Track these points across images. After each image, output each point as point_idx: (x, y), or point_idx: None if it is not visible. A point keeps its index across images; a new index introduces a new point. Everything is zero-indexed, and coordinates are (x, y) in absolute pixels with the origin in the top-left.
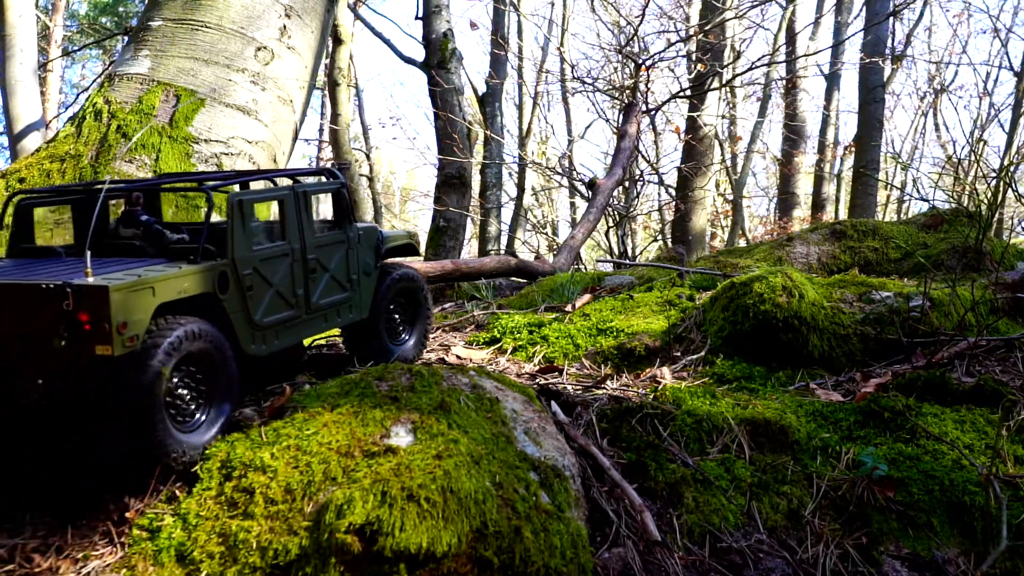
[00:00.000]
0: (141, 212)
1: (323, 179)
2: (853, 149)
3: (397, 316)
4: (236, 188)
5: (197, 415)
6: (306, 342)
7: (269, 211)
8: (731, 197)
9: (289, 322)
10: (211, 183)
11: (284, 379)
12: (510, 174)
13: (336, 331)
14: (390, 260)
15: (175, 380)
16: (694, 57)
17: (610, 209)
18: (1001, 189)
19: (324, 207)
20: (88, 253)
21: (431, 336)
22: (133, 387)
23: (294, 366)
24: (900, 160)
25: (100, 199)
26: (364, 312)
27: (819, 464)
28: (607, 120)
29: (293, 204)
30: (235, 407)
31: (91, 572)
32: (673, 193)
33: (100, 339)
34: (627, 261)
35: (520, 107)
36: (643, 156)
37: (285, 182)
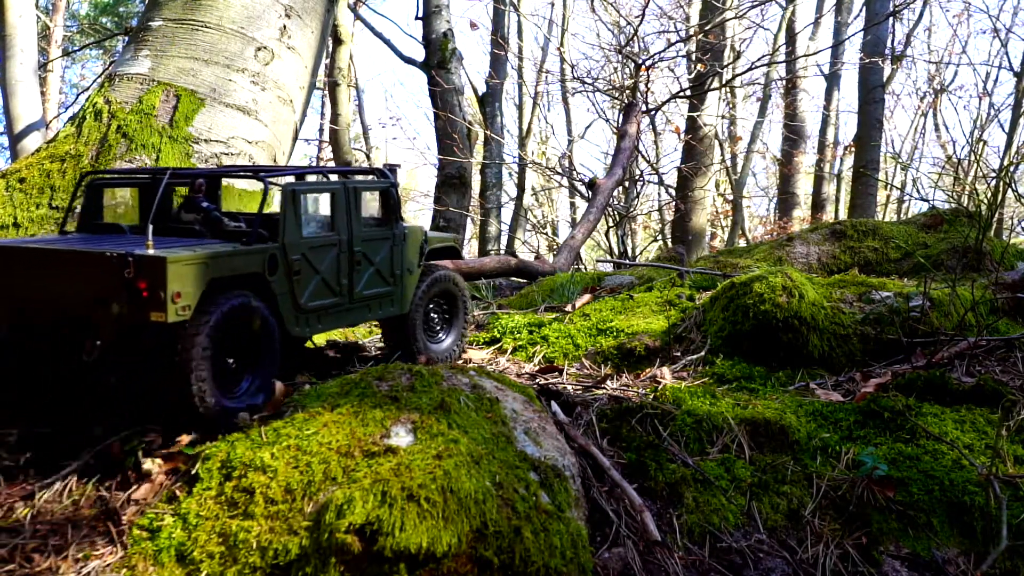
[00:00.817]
0: (202, 199)
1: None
2: (853, 149)
3: (435, 316)
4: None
5: (242, 383)
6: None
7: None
8: (731, 197)
9: (332, 308)
10: (267, 173)
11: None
12: (510, 174)
13: (334, 332)
14: (432, 261)
15: (221, 353)
16: (694, 57)
17: (610, 209)
18: (1001, 189)
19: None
20: (150, 227)
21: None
22: (185, 352)
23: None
24: (900, 160)
25: (163, 182)
26: (405, 307)
27: (819, 464)
28: (607, 120)
29: (343, 198)
30: (275, 379)
31: (91, 572)
32: (673, 193)
33: (156, 306)
34: (627, 261)
35: (520, 107)
36: (643, 156)
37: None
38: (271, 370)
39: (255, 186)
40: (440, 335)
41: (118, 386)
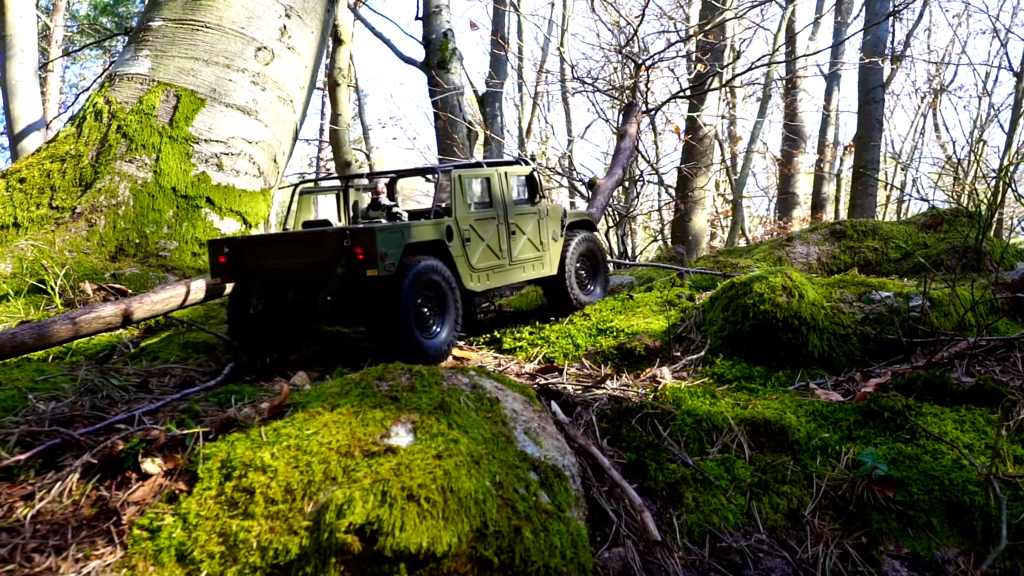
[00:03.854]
0: (384, 198)
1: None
2: (853, 149)
3: (583, 272)
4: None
5: (434, 327)
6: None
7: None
8: (731, 197)
9: (496, 268)
10: (436, 169)
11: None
12: None
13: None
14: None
15: (418, 300)
16: (694, 57)
17: (610, 209)
18: (1001, 189)
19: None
20: (360, 211)
21: None
22: (392, 298)
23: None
24: (900, 160)
25: (347, 187)
26: (553, 269)
27: (819, 464)
28: (607, 120)
29: (499, 182)
30: (458, 323)
31: (91, 572)
32: (673, 193)
33: (369, 265)
34: (627, 261)
35: (520, 107)
36: (643, 156)
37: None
38: (455, 321)
39: (254, 186)
40: (589, 287)
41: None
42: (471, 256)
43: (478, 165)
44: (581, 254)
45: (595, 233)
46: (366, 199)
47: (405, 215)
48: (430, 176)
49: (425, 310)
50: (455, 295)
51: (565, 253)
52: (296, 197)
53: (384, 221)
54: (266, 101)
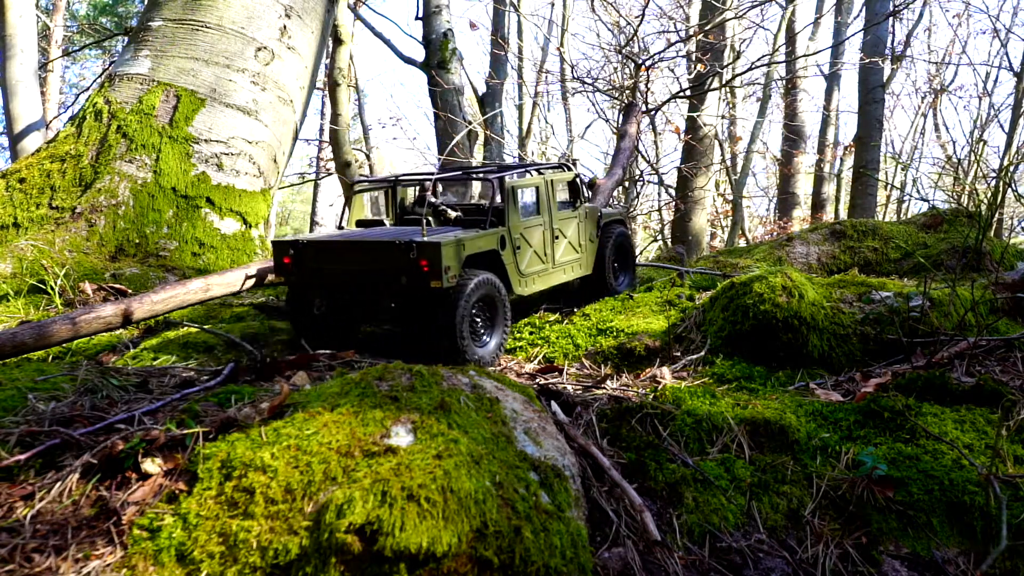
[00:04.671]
0: (431, 196)
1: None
2: (853, 149)
3: (616, 264)
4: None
5: (484, 336)
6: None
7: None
8: (731, 197)
9: (541, 272)
10: (492, 175)
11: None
12: None
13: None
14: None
15: (473, 311)
16: (694, 57)
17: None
18: (1001, 189)
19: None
20: (424, 221)
21: None
22: (450, 309)
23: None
24: (900, 160)
25: (396, 186)
26: (589, 269)
27: (819, 464)
28: (607, 120)
29: (546, 188)
30: (506, 334)
31: (91, 572)
32: (673, 193)
33: (434, 277)
34: None
35: (520, 107)
36: (643, 156)
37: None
38: (503, 331)
39: (254, 186)
40: (620, 278)
41: (404, 334)
42: (520, 263)
43: (527, 171)
44: (613, 251)
45: (627, 230)
46: (411, 195)
47: (451, 211)
48: (485, 180)
49: (478, 320)
50: (505, 307)
51: (603, 252)
52: (352, 196)
53: (431, 219)
54: (266, 101)
